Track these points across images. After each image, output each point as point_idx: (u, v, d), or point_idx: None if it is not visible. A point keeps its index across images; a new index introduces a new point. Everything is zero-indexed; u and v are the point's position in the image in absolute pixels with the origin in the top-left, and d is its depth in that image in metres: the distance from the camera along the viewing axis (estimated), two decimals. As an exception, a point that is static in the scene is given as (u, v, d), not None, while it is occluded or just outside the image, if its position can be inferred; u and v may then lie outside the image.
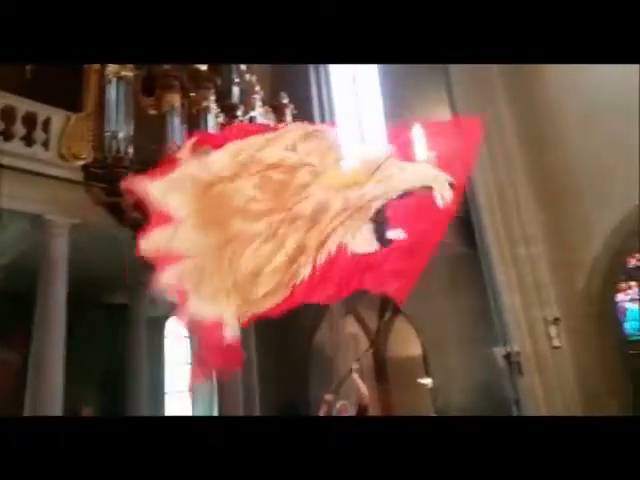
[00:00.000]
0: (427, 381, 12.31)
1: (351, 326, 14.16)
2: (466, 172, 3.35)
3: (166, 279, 3.01)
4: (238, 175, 3.10)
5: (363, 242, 3.07)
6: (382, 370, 15.27)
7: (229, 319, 2.91)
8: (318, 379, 12.53)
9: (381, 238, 3.05)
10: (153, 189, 3.15)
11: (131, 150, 8.14)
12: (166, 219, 3.12)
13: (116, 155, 8.05)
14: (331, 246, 2.99)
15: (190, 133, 8.74)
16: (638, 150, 8.37)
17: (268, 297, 2.99)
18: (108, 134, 8.07)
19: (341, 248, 3.05)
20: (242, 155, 3.11)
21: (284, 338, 14.01)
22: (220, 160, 3.13)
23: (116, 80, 8.15)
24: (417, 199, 3.10)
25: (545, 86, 9.57)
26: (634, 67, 8.47)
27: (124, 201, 8.10)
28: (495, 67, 9.53)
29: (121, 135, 8.06)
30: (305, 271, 2.98)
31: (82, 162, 8.06)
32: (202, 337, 3.04)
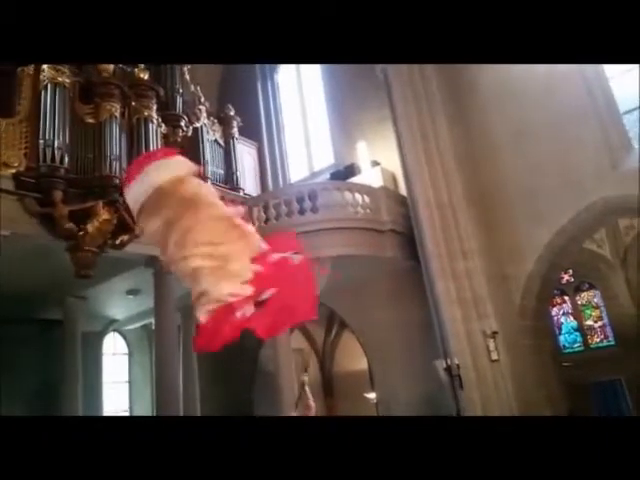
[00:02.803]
0: (372, 395, 12.34)
1: (298, 341, 14.07)
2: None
3: None
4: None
5: None
6: (329, 384, 15.26)
7: None
8: (262, 395, 12.35)
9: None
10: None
11: (66, 159, 7.84)
12: None
13: (50, 164, 7.74)
14: None
15: (130, 143, 8.56)
16: (565, 169, 8.82)
17: None
18: (42, 142, 7.74)
19: None
20: None
21: (229, 354, 13.76)
22: None
23: (52, 86, 7.86)
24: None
25: (480, 106, 9.96)
26: (563, 87, 8.94)
27: (57, 211, 7.81)
28: (434, 84, 9.86)
29: (56, 144, 7.76)
30: None
31: (14, 170, 7.69)
32: None
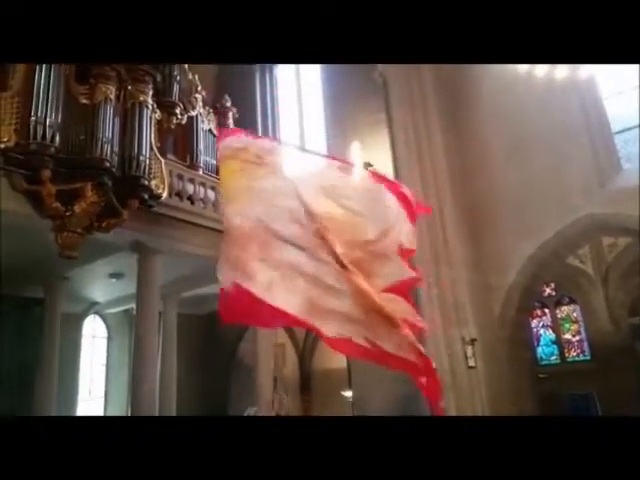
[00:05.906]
0: (348, 394, 12.39)
1: (279, 336, 14.09)
2: None
3: None
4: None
5: None
6: (307, 381, 15.30)
7: None
8: (239, 388, 12.36)
9: None
10: None
11: (57, 138, 7.75)
12: None
13: (41, 142, 7.62)
14: None
15: (123, 127, 8.49)
16: (554, 184, 8.92)
17: None
18: (34, 119, 7.62)
19: None
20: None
21: (208, 345, 13.74)
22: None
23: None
24: None
25: (477, 119, 10.04)
26: (559, 103, 9.02)
27: (45, 190, 7.73)
28: (432, 93, 9.91)
29: (48, 122, 7.65)
30: None
31: (2, 146, 7.56)
32: None
